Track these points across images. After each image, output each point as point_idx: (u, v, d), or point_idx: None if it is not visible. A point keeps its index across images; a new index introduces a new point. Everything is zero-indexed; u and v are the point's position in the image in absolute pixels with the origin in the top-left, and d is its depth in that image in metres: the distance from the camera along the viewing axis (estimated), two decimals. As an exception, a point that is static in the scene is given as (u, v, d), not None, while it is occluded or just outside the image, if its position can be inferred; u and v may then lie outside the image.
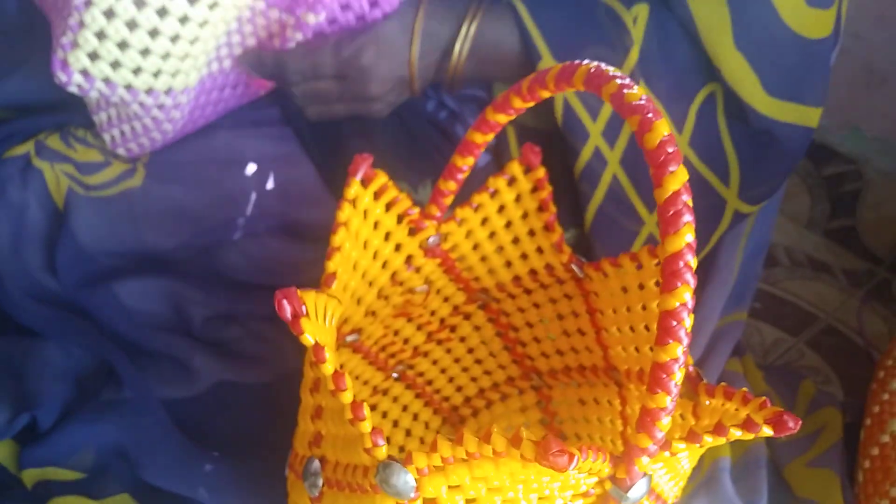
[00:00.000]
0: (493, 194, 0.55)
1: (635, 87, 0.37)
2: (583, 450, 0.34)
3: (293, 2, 0.58)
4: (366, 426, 0.36)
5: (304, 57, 0.58)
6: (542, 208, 0.55)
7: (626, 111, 0.36)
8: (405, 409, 0.63)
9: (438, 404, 0.64)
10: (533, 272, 0.58)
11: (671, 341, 0.34)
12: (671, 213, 0.34)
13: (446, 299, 0.60)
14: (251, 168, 0.63)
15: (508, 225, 0.56)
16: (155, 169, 0.63)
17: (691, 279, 0.34)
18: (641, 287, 0.50)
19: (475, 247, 0.57)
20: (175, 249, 0.62)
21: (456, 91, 0.63)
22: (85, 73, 0.54)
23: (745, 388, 0.42)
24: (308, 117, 0.63)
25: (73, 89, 0.55)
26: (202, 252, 0.63)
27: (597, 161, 0.59)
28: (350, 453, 0.39)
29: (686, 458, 0.42)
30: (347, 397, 0.37)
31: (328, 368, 0.37)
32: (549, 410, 0.61)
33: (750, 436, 0.38)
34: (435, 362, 0.63)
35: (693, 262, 0.34)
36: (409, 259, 0.55)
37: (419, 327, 0.60)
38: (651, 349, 0.50)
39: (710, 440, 0.38)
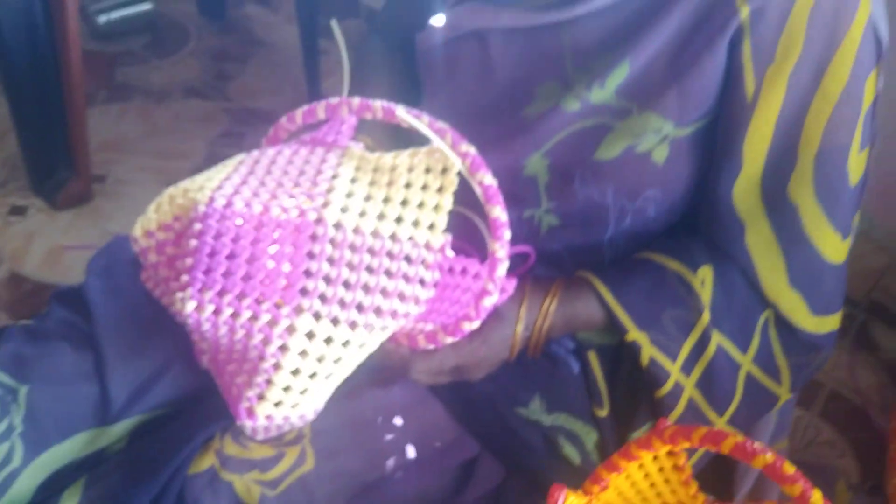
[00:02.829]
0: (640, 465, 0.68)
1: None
2: None
3: (434, 325, 0.64)
4: None
5: (426, 358, 0.67)
6: (676, 468, 0.68)
7: (784, 480, 0.51)
8: None
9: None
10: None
11: None
12: None
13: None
14: (398, 421, 0.73)
15: (647, 476, 0.70)
16: (320, 446, 0.72)
17: None
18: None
19: (619, 495, 0.70)
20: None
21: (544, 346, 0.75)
22: (268, 416, 0.61)
23: None
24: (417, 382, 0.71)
25: (255, 431, 0.62)
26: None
27: (676, 388, 0.73)
28: None
29: None
30: None
31: None
32: None
33: None
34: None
35: None
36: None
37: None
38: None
39: None
